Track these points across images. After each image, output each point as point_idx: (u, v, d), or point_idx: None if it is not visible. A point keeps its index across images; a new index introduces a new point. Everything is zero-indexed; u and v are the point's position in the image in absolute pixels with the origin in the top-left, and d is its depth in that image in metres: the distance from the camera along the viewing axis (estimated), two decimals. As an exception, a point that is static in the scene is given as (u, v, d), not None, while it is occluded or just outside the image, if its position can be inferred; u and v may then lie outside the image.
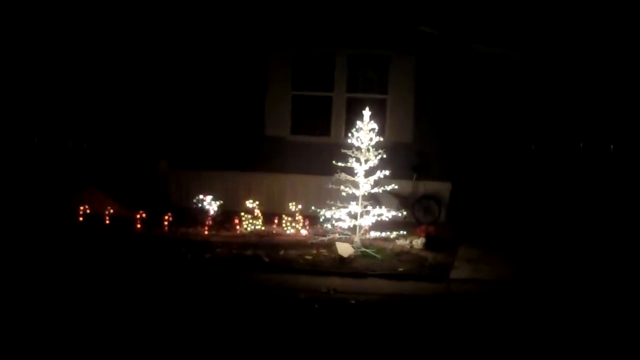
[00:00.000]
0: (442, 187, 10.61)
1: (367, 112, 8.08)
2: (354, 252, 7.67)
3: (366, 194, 8.16)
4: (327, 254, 7.75)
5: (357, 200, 8.11)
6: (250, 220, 9.14)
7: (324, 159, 9.27)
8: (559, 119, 12.17)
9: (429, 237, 8.38)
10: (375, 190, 8.23)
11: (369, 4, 10.81)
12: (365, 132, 8.04)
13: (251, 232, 9.01)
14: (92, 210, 9.44)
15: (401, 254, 7.89)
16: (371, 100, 10.06)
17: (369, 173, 8.10)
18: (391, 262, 7.52)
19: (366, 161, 8.06)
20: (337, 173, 8.08)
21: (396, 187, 8.54)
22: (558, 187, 11.32)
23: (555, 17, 12.66)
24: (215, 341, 4.81)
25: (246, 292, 6.16)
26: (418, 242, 8.33)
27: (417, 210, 10.43)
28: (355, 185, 8.10)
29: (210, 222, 9.05)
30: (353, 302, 5.99)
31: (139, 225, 8.98)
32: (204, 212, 9.21)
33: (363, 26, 10.81)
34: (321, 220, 8.49)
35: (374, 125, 8.07)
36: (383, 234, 8.13)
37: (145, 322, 5.19)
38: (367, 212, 8.10)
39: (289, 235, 8.92)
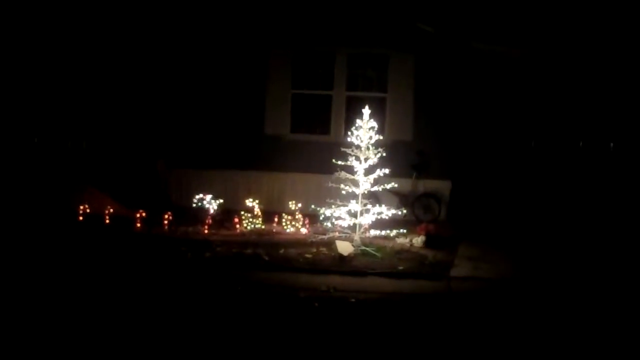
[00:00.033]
0: (442, 185, 10.61)
1: (366, 111, 8.08)
2: (354, 250, 7.67)
3: (366, 192, 8.16)
4: (327, 252, 7.75)
5: (357, 199, 8.11)
6: (250, 219, 9.14)
7: (323, 158, 9.26)
8: (558, 117, 12.15)
9: (429, 236, 8.38)
10: (375, 188, 8.23)
11: (367, 3, 10.81)
12: (364, 131, 8.04)
13: (251, 230, 9.01)
14: (92, 210, 9.44)
15: (401, 252, 7.89)
16: (371, 99, 10.06)
17: (368, 171, 8.10)
18: (391, 260, 7.52)
19: (366, 159, 8.06)
20: (337, 171, 8.07)
21: (396, 185, 8.54)
22: (558, 185, 11.31)
23: (555, 14, 12.64)
24: (216, 340, 4.81)
25: (246, 291, 6.16)
26: (418, 240, 8.33)
27: (417, 208, 10.43)
28: (355, 183, 8.10)
29: (210, 221, 9.05)
30: (353, 300, 5.99)
31: (138, 225, 8.98)
32: (203, 211, 9.22)
33: (362, 25, 10.81)
34: (321, 218, 8.49)
35: (373, 123, 8.07)
36: (383, 232, 8.13)
37: (146, 321, 5.19)
38: (367, 211, 8.10)
39: (288, 233, 8.92)
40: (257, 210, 9.29)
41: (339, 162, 8.11)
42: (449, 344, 4.86)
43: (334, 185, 8.15)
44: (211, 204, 9.26)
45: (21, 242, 7.85)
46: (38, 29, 12.02)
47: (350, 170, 8.10)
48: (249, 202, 9.42)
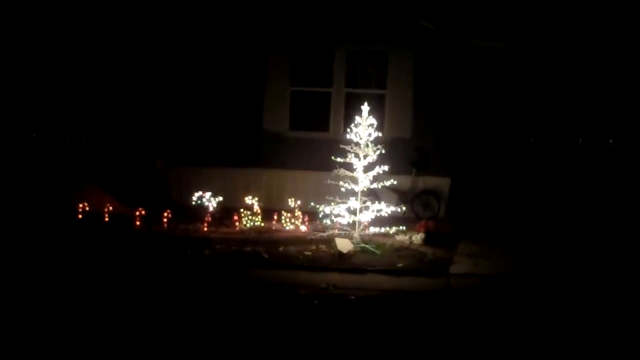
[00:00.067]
0: (441, 182, 10.60)
1: (365, 108, 8.08)
2: (354, 247, 7.67)
3: (365, 189, 8.16)
4: (326, 249, 7.75)
5: (356, 196, 8.11)
6: (250, 217, 9.14)
7: (322, 155, 9.26)
8: (558, 113, 12.15)
9: (429, 233, 8.37)
10: (375, 185, 8.23)
11: (367, -1, 10.80)
12: (364, 128, 8.03)
13: (250, 228, 9.02)
14: (91, 208, 9.44)
15: (401, 250, 7.89)
16: (370, 96, 10.04)
17: (368, 168, 8.09)
18: (391, 257, 7.52)
19: (365, 157, 8.05)
20: (336, 169, 8.07)
21: (395, 182, 8.54)
22: (557, 182, 11.31)
23: (554, 11, 12.62)
24: (216, 338, 4.81)
25: (246, 289, 6.16)
26: (417, 237, 8.33)
27: (416, 205, 10.43)
28: (354, 180, 8.09)
29: (210, 219, 9.05)
30: (352, 297, 5.99)
31: (138, 223, 8.97)
32: (203, 208, 9.21)
33: (361, 21, 10.78)
34: (320, 216, 8.48)
35: (372, 120, 8.07)
36: (382, 230, 8.13)
37: (146, 319, 5.19)
38: (367, 208, 8.10)
39: (288, 231, 8.92)
40: (256, 207, 9.29)
41: (338, 160, 8.10)
42: (449, 341, 4.86)
43: (333, 182, 8.15)
44: (210, 201, 9.26)
45: (20, 241, 7.84)
46: (37, 26, 11.99)
47: (349, 167, 8.09)
48: (248, 200, 9.42)
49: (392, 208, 8.26)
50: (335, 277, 6.68)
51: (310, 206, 8.67)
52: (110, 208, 9.36)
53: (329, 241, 7.92)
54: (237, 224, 9.08)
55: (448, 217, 10.31)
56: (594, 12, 12.39)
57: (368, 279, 6.77)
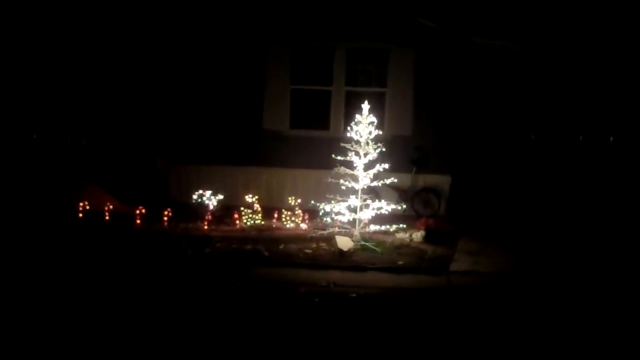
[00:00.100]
0: (441, 180, 10.60)
1: (366, 106, 8.07)
2: (354, 245, 7.67)
3: (365, 187, 8.16)
4: (326, 247, 7.75)
5: (356, 194, 8.10)
6: (250, 215, 9.14)
7: (323, 153, 9.26)
8: (558, 111, 12.15)
9: (429, 230, 8.37)
10: (375, 183, 8.22)
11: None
12: (364, 126, 8.03)
13: (251, 226, 9.01)
14: (91, 207, 9.43)
15: (401, 247, 7.89)
16: (370, 94, 10.04)
17: (368, 166, 8.09)
18: (391, 255, 7.52)
19: (365, 155, 8.05)
20: (337, 167, 8.07)
21: (395, 180, 8.55)
22: (558, 180, 11.31)
23: (555, 9, 12.62)
24: (216, 336, 4.81)
25: (246, 287, 6.16)
26: (418, 235, 8.33)
27: (416, 203, 10.43)
28: (355, 178, 8.09)
29: (210, 217, 9.04)
30: (353, 295, 5.99)
31: (138, 221, 8.97)
32: (203, 207, 9.21)
33: (362, 19, 10.77)
34: (321, 214, 8.48)
35: (373, 118, 8.06)
36: (383, 228, 8.13)
37: (146, 317, 5.19)
38: (367, 206, 8.10)
39: (288, 229, 8.92)
40: (256, 206, 9.29)
41: (339, 158, 8.10)
42: (449, 339, 4.86)
43: (333, 180, 8.15)
44: (211, 200, 9.26)
45: (21, 240, 7.85)
46: (37, 25, 11.99)
47: (349, 165, 8.09)
48: (248, 198, 9.41)
49: (393, 206, 8.26)
50: (335, 275, 6.68)
51: (310, 204, 8.67)
52: (111, 207, 9.36)
53: (330, 239, 7.92)
54: (237, 222, 9.08)
55: (448, 215, 10.31)
56: (593, 10, 12.38)
57: (368, 276, 6.77)
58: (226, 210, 9.38)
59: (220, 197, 9.38)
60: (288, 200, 9.44)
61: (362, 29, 10.77)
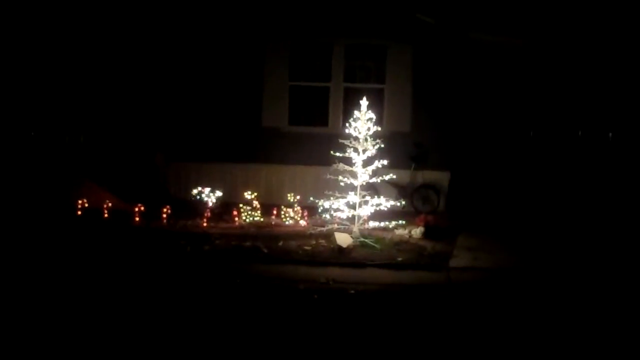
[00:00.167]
0: (440, 176, 10.60)
1: (364, 102, 8.06)
2: (353, 242, 7.66)
3: (364, 184, 8.15)
4: (326, 244, 7.75)
5: (355, 191, 8.10)
6: (249, 212, 9.14)
7: (321, 150, 9.26)
8: (557, 107, 12.14)
9: (428, 227, 8.37)
10: (374, 180, 8.22)
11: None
12: (363, 122, 8.02)
13: (250, 223, 9.01)
14: (90, 204, 9.43)
15: (400, 244, 7.89)
16: (369, 90, 10.01)
17: (367, 163, 8.09)
18: (390, 251, 7.52)
19: (364, 151, 8.05)
20: (335, 163, 8.06)
21: (394, 176, 8.52)
22: (557, 175, 11.31)
23: (553, 3, 12.60)
24: (215, 333, 4.81)
25: (245, 284, 6.16)
26: (417, 231, 8.33)
27: (415, 199, 10.43)
28: (354, 175, 8.09)
29: (209, 214, 9.04)
30: (352, 292, 6.00)
31: (137, 219, 8.96)
32: (202, 204, 9.20)
33: (360, 15, 10.75)
34: (320, 210, 8.47)
35: (371, 115, 8.05)
36: (382, 224, 8.12)
37: (145, 315, 5.19)
38: (366, 202, 8.09)
39: (287, 226, 8.92)
40: (255, 203, 9.29)
41: (337, 154, 8.09)
42: (449, 335, 4.86)
43: (332, 177, 8.14)
44: (210, 197, 9.24)
45: (19, 237, 7.84)
46: (35, 23, 11.95)
47: (348, 162, 8.08)
48: (247, 195, 9.41)
49: (392, 202, 8.26)
50: (334, 272, 6.68)
51: (309, 201, 8.67)
52: (110, 204, 9.35)
53: (329, 236, 7.91)
54: (236, 219, 9.08)
55: (447, 211, 10.31)
56: (591, 5, 12.36)
57: (368, 273, 6.77)
58: (225, 208, 9.38)
59: (219, 194, 9.37)
60: (287, 197, 9.44)
61: (361, 26, 10.76)
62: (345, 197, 8.06)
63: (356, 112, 8.08)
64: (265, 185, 10.77)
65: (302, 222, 8.98)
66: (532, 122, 12.09)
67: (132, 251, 7.34)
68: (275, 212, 9.33)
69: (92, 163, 11.29)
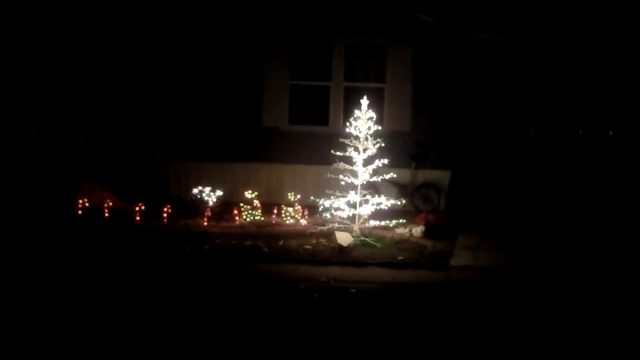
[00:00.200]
0: (441, 175, 10.60)
1: (365, 101, 8.06)
2: (354, 241, 7.66)
3: (365, 183, 8.15)
4: (326, 243, 7.75)
5: (356, 190, 8.10)
6: (250, 211, 9.14)
7: (322, 149, 9.25)
8: (557, 106, 12.13)
9: (429, 225, 8.37)
10: (374, 179, 8.22)
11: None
12: (363, 121, 8.02)
13: (250, 222, 9.01)
14: (90, 204, 9.43)
15: (401, 243, 7.89)
16: (369, 89, 10.00)
17: (367, 162, 8.08)
18: (391, 250, 7.52)
19: (365, 150, 8.04)
20: (336, 162, 8.06)
21: (395, 175, 8.53)
22: (557, 174, 11.31)
23: (554, 3, 12.59)
24: (216, 331, 4.81)
25: (246, 283, 6.16)
26: (417, 230, 8.33)
27: (416, 198, 10.43)
28: (354, 174, 8.09)
29: (210, 214, 9.04)
30: (353, 290, 6.00)
31: (138, 218, 8.96)
32: (203, 203, 9.20)
33: (360, 15, 10.75)
34: (320, 209, 8.47)
35: (372, 114, 8.05)
36: (382, 223, 8.12)
37: (146, 314, 5.19)
38: (366, 201, 8.09)
39: (288, 225, 8.91)
40: (256, 202, 9.29)
41: (338, 153, 8.09)
42: (449, 333, 4.86)
43: (332, 176, 8.14)
44: (210, 196, 9.24)
45: (20, 237, 7.84)
46: (35, 22, 11.94)
47: (349, 161, 8.08)
48: (248, 194, 9.41)
49: (392, 201, 8.26)
50: (335, 271, 6.68)
51: (310, 200, 8.66)
52: (110, 204, 9.35)
53: (329, 235, 7.91)
54: (237, 218, 9.08)
55: (448, 210, 10.31)
56: (592, 4, 12.35)
57: (368, 272, 6.77)
58: (226, 207, 9.38)
59: (220, 193, 9.37)
60: (287, 196, 9.43)
61: (361, 25, 10.75)
62: (346, 196, 8.06)
63: (357, 111, 8.08)
64: (266, 184, 10.77)
65: (303, 221, 8.98)
66: (533, 121, 12.09)
67: (133, 250, 7.34)
68: (275, 211, 9.33)
69: (93, 163, 11.29)
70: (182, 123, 11.10)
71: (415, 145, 10.46)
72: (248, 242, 7.78)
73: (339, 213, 8.10)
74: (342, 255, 7.29)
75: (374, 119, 8.08)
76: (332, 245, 7.61)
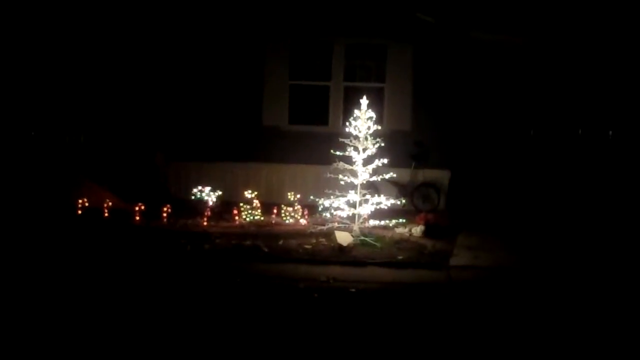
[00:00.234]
0: (440, 175, 10.60)
1: (364, 101, 8.06)
2: (353, 240, 7.66)
3: (365, 182, 8.15)
4: (326, 243, 7.75)
5: (355, 189, 8.10)
6: (249, 211, 9.14)
7: (322, 149, 9.24)
8: (557, 105, 12.13)
9: (428, 225, 8.37)
10: (374, 178, 8.22)
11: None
12: (363, 121, 8.02)
13: (250, 222, 9.01)
14: (90, 204, 9.43)
15: (400, 242, 7.89)
16: (369, 89, 10.00)
17: (367, 162, 8.08)
18: (390, 250, 7.52)
19: (364, 150, 8.04)
20: (336, 162, 8.06)
21: (395, 175, 8.53)
22: (557, 174, 11.31)
23: (554, 2, 12.59)
24: (216, 331, 4.81)
25: (246, 282, 6.16)
26: (417, 230, 8.33)
27: (416, 198, 10.43)
28: (354, 174, 8.09)
29: (209, 213, 9.03)
30: (353, 290, 5.99)
31: (137, 218, 8.96)
32: (202, 203, 9.20)
33: (360, 15, 10.75)
34: (320, 209, 8.47)
35: (371, 113, 8.05)
36: (382, 223, 8.12)
37: (145, 314, 5.19)
38: (366, 201, 8.09)
39: (288, 225, 8.91)
40: (256, 202, 9.28)
41: (338, 153, 8.09)
42: (449, 333, 4.86)
43: (332, 176, 8.14)
44: (210, 196, 9.24)
45: (20, 237, 7.84)
46: (35, 22, 11.94)
47: (348, 160, 8.08)
48: (247, 194, 9.41)
49: (392, 201, 8.26)
50: (335, 270, 6.68)
51: (309, 200, 8.66)
52: (110, 203, 9.35)
53: (329, 234, 7.91)
54: (236, 218, 9.08)
55: (448, 210, 10.31)
56: (592, 4, 12.35)
57: (368, 271, 6.77)
58: (225, 207, 9.38)
59: (220, 193, 9.37)
60: (287, 196, 9.43)
61: (361, 25, 10.75)
62: (346, 196, 8.06)
63: (356, 111, 8.08)
64: (266, 184, 10.77)
65: (303, 221, 8.98)
66: (533, 121, 12.09)
67: (133, 250, 7.33)
68: (275, 211, 9.33)
69: (92, 163, 11.28)
70: (182, 123, 11.10)
71: (415, 145, 10.46)
72: (248, 242, 7.78)
73: (338, 213, 8.10)
74: (342, 254, 7.29)
75: (374, 119, 8.08)
76: (332, 244, 7.61)
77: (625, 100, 11.99)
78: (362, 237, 7.79)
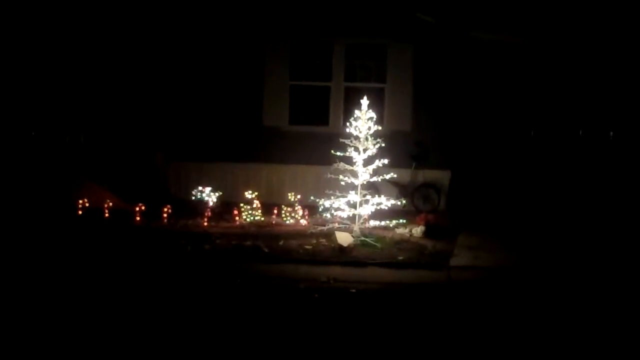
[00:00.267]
0: (441, 175, 10.59)
1: (365, 101, 8.06)
2: (354, 241, 7.66)
3: (365, 183, 8.15)
4: (326, 243, 7.75)
5: (356, 190, 8.10)
6: (250, 211, 9.14)
7: (322, 149, 9.25)
8: (558, 106, 12.13)
9: (429, 226, 8.37)
10: (375, 179, 8.22)
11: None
12: (363, 121, 8.02)
13: (250, 222, 9.01)
14: (91, 204, 9.43)
15: (401, 243, 7.89)
16: (369, 89, 10.00)
17: (367, 162, 8.08)
18: (391, 250, 7.52)
19: (365, 150, 8.04)
20: (336, 162, 8.05)
21: (395, 175, 8.52)
22: (557, 174, 11.30)
23: (554, 2, 12.58)
24: (216, 332, 4.81)
25: (246, 283, 6.16)
26: (417, 230, 8.33)
27: (416, 198, 10.42)
28: (354, 174, 8.09)
29: (210, 214, 9.03)
30: (353, 291, 5.99)
31: (138, 218, 8.96)
32: (203, 203, 9.20)
33: (360, 15, 10.75)
34: (320, 210, 8.47)
35: (372, 114, 8.05)
36: (382, 223, 8.12)
37: (146, 314, 5.19)
38: (367, 201, 8.09)
39: (288, 225, 8.91)
40: (256, 202, 9.28)
41: (338, 153, 8.09)
42: (450, 333, 4.86)
43: (333, 176, 8.14)
44: (210, 196, 9.25)
45: (20, 237, 7.84)
46: (35, 22, 11.94)
47: (349, 161, 8.08)
48: (248, 195, 9.41)
49: (392, 201, 8.25)
50: (335, 271, 6.68)
51: (310, 200, 8.66)
52: (110, 204, 9.35)
53: (329, 235, 7.91)
54: (237, 218, 9.08)
55: (448, 210, 10.30)
56: (592, 4, 12.35)
57: (368, 272, 6.77)
58: (226, 207, 9.38)
59: (220, 193, 9.37)
60: (288, 196, 9.43)
61: (361, 25, 10.75)
62: (346, 196, 8.06)
63: (357, 112, 8.08)
64: (266, 184, 10.77)
65: (303, 222, 8.98)
66: (533, 121, 12.08)
67: (133, 251, 7.34)
68: (275, 211, 9.33)
69: (93, 163, 11.29)
70: (182, 123, 11.10)
71: (416, 145, 10.46)
72: (248, 242, 7.78)
73: (339, 213, 8.10)
74: (342, 255, 7.29)
75: (374, 119, 8.08)
76: (332, 245, 7.61)
77: (626, 101, 11.99)
78: (363, 238, 7.79)
